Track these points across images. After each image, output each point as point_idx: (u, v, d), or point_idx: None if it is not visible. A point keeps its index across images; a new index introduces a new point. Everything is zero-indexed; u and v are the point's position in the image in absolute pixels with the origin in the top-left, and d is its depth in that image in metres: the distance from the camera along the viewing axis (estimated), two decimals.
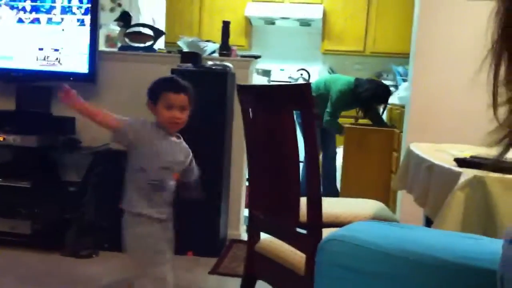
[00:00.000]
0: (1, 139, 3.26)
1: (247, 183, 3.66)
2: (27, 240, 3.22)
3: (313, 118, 1.66)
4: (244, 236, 3.64)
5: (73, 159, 3.47)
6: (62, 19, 3.40)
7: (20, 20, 3.43)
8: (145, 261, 2.06)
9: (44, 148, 3.32)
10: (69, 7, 3.39)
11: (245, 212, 3.74)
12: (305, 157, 1.68)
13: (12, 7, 3.43)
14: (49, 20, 3.41)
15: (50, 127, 3.43)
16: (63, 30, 3.40)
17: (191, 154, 2.22)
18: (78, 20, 3.39)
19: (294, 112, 1.75)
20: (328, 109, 4.45)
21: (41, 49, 3.42)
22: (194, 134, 3.26)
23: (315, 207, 1.66)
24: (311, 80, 6.36)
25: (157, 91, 2.09)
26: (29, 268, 2.95)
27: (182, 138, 2.19)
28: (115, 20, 3.83)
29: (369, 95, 4.33)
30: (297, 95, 1.67)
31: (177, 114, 2.07)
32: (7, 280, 2.76)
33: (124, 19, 3.71)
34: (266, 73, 6.61)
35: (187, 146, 2.21)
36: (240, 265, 3.08)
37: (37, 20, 3.41)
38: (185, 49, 3.65)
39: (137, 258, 2.08)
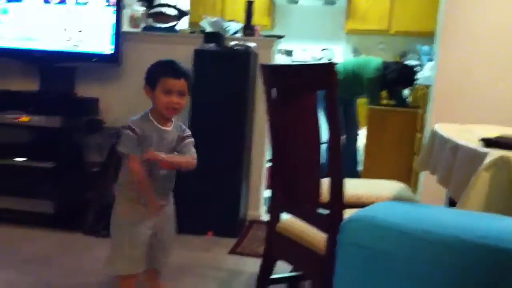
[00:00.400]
0: (26, 120, 3.31)
1: (267, 164, 3.67)
2: (50, 219, 3.28)
3: (337, 98, 1.64)
4: (264, 217, 3.65)
5: (96, 140, 3.50)
6: None
7: (46, 1, 3.44)
8: (117, 240, 2.04)
9: (67, 129, 3.35)
10: None
11: (265, 193, 3.75)
12: (328, 138, 1.66)
13: None
14: (76, 1, 3.42)
15: (73, 108, 3.46)
16: (89, 10, 3.40)
17: (186, 134, 2.09)
18: (106, 0, 3.39)
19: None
20: (367, 98, 4.45)
21: (65, 29, 3.44)
22: (216, 114, 3.29)
23: (337, 187, 1.65)
24: (334, 61, 6.30)
25: (156, 76, 2.00)
26: (51, 246, 3.01)
27: (173, 122, 2.07)
28: (139, 0, 3.82)
29: (395, 77, 4.31)
30: (322, 74, 1.64)
31: (175, 99, 1.97)
32: (30, 258, 2.81)
33: None
34: (289, 53, 6.57)
35: (184, 128, 2.10)
36: (259, 245, 3.09)
37: (63, 1, 3.42)
38: (208, 30, 3.64)
39: (113, 238, 2.06)
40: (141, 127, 1.98)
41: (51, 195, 3.27)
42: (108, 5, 3.39)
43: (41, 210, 3.30)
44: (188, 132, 2.11)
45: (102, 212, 3.21)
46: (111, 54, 3.44)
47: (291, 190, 1.92)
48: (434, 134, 2.14)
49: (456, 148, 1.75)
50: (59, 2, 3.42)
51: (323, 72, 1.64)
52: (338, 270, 1.32)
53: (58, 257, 2.85)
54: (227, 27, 3.67)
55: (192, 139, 2.10)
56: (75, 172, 3.35)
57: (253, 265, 2.77)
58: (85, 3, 3.40)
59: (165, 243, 2.12)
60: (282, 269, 2.32)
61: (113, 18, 3.41)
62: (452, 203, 1.93)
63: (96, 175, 3.32)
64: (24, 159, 3.33)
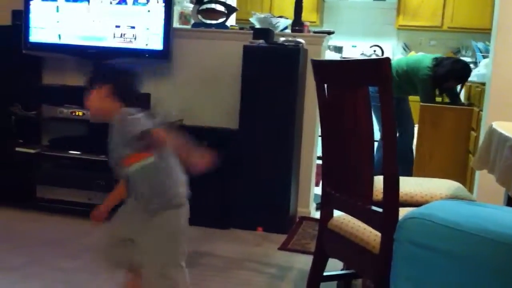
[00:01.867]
0: (80, 114, 3.40)
1: (317, 161, 3.64)
2: None
3: (391, 94, 1.61)
4: (314, 214, 3.64)
5: None
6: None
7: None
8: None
9: None
10: None
11: (315, 190, 3.73)
12: (382, 135, 1.63)
13: None
14: (135, 1, 3.47)
15: None
16: (149, 11, 3.45)
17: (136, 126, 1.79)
18: (163, 0, 3.43)
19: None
20: (420, 98, 4.37)
21: (118, 26, 3.50)
22: (265, 110, 3.29)
23: (392, 185, 1.62)
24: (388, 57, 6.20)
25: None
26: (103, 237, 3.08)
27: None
28: None
29: (445, 71, 4.18)
30: (376, 70, 1.62)
31: None
32: (83, 247, 2.90)
33: None
34: (338, 49, 6.52)
35: (124, 119, 1.83)
36: (309, 242, 3.08)
37: (123, 1, 3.49)
38: (257, 26, 3.64)
39: None
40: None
41: (104, 187, 3.35)
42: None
43: (95, 201, 3.38)
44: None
45: None
46: (161, 50, 3.48)
47: (344, 187, 1.90)
48: (492, 132, 2.08)
49: None
50: (119, 3, 3.49)
51: (377, 68, 1.62)
52: (394, 268, 1.30)
53: None
54: (276, 23, 3.66)
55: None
56: None
57: (303, 261, 2.77)
58: (145, 4, 3.45)
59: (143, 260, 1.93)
60: (333, 267, 2.30)
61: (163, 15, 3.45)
62: (510, 203, 1.87)
63: None
64: (78, 152, 3.42)
